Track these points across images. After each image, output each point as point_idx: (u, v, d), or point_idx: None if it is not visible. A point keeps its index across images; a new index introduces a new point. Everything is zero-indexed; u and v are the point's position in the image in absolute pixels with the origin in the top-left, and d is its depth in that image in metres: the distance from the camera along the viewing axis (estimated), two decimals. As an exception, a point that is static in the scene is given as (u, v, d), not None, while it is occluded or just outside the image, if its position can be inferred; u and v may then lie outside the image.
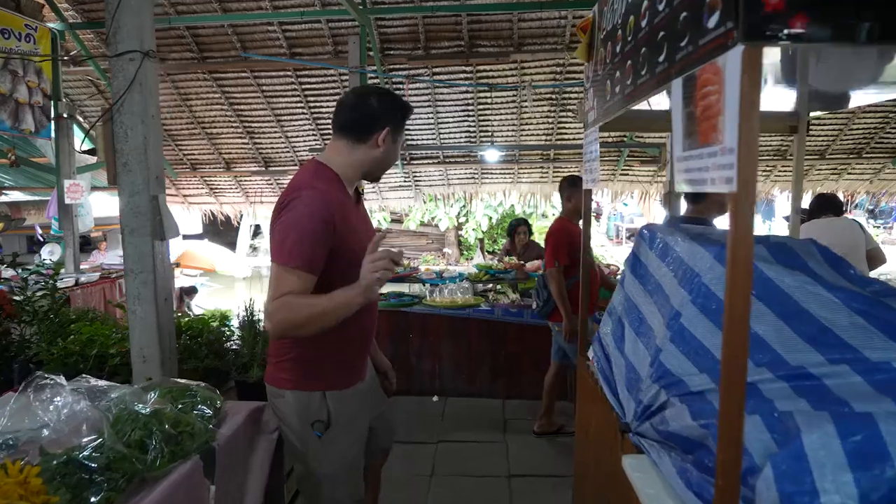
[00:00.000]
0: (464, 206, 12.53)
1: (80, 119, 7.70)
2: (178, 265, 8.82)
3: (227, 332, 2.99)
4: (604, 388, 2.18)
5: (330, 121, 7.69)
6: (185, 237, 19.20)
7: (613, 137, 7.95)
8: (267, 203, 9.47)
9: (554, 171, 8.68)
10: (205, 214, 9.97)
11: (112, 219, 14.67)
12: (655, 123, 2.99)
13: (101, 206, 10.37)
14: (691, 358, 1.67)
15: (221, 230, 14.45)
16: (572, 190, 3.96)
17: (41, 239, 9.03)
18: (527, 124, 7.82)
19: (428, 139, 8.06)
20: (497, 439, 4.17)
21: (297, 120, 7.78)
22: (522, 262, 5.50)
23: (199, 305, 10.76)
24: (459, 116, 7.71)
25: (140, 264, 2.25)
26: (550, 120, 7.71)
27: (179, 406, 1.86)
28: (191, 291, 9.41)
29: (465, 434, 4.20)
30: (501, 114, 7.62)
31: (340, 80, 7.04)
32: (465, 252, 16.15)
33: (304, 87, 7.25)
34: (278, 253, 1.67)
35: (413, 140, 8.07)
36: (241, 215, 9.81)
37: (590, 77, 2.42)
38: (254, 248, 20.67)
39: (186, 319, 2.96)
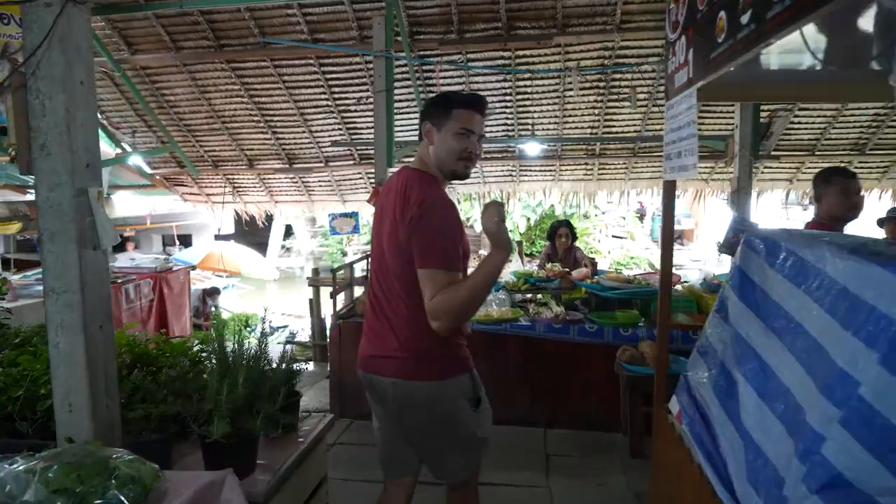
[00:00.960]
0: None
1: None
2: (193, 268, 8.41)
3: (206, 362, 2.41)
4: (703, 467, 1.51)
5: (357, 113, 6.63)
6: (217, 237, 19.04)
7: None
8: (292, 203, 9.00)
9: (599, 168, 7.95)
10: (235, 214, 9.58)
11: (139, 219, 14.51)
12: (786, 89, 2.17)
13: (128, 205, 10.09)
14: (883, 457, 1.00)
15: (246, 230, 14.12)
16: (823, 188, 3.10)
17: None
18: (570, 116, 7.11)
19: (462, 133, 7.43)
20: (538, 482, 3.51)
21: (320, 113, 7.25)
22: (567, 268, 4.82)
23: (226, 308, 10.39)
24: (496, 108, 7.06)
25: (62, 281, 1.69)
26: (597, 110, 6.99)
27: (80, 495, 1.28)
28: (213, 293, 9.02)
29: (500, 474, 3.55)
30: (542, 104, 6.94)
31: (366, 68, 6.47)
32: (501, 254, 15.54)
33: (327, 76, 6.71)
34: (429, 259, 1.84)
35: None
36: (267, 215, 9.36)
37: (680, 21, 1.73)
38: (287, 250, 20.40)
39: (148, 346, 2.39)
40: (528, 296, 4.76)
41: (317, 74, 6.68)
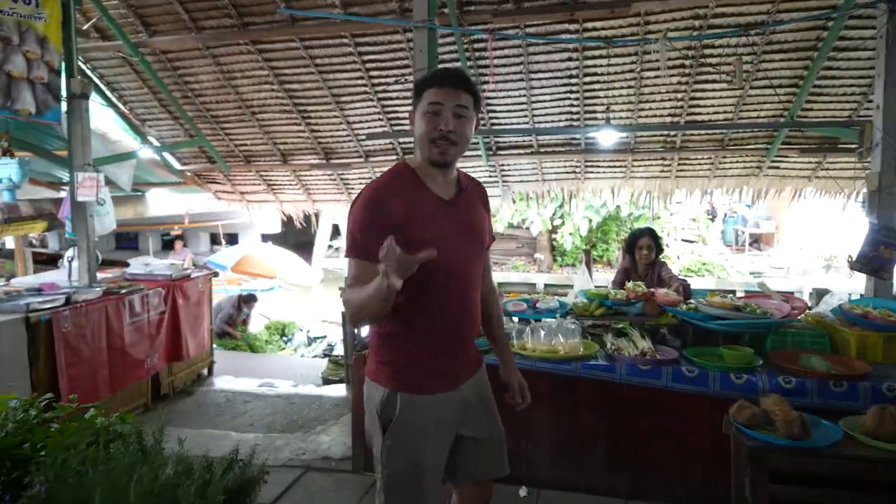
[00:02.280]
0: (561, 205, 10.76)
1: (113, 100, 6.75)
2: (216, 274, 7.73)
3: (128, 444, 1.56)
4: None
5: (399, 100, 5.39)
6: (263, 237, 18.65)
7: (766, 115, 6.00)
8: (331, 202, 8.24)
9: (679, 164, 6.82)
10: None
11: (176, 217, 14.15)
12: None
13: (166, 203, 9.59)
14: None
15: (294, 230, 13.53)
16: None
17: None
18: (647, 101, 6.04)
19: (518, 121, 6.47)
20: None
21: (358, 101, 6.43)
22: (651, 289, 3.79)
23: (264, 315, 9.74)
24: (559, 93, 6.06)
25: None
26: (680, 95, 5.89)
27: None
28: (249, 300, 8.36)
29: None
30: (615, 86, 5.89)
31: (408, 48, 5.59)
32: (558, 259, 14.38)
33: (364, 58, 5.87)
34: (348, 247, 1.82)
35: (499, 121, 6.49)
36: (305, 215, 8.64)
37: None
38: (335, 250, 19.86)
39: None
40: (603, 323, 3.76)
41: (352, 56, 5.85)
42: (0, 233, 6.42)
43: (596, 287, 4.10)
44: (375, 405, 1.86)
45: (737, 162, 6.69)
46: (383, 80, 6.10)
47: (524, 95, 6.11)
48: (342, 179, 7.73)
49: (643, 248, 4.44)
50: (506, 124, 6.51)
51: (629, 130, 6.00)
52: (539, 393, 3.27)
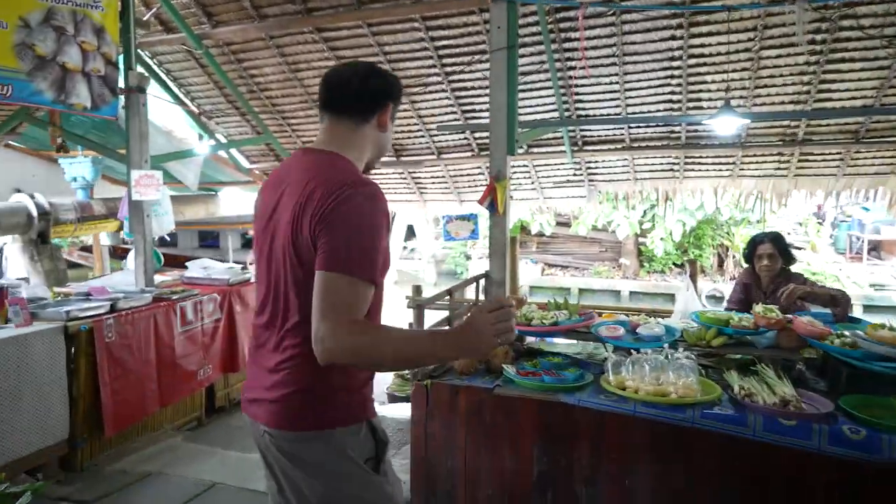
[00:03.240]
0: (652, 207, 9.81)
1: (180, 96, 6.54)
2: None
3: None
4: None
5: (474, 91, 4.81)
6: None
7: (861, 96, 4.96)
8: (402, 202, 7.77)
9: (800, 160, 5.85)
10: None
11: (248, 217, 14.17)
12: None
13: (241, 203, 9.46)
14: None
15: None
16: None
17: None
18: (765, 86, 5.15)
19: (609, 110, 5.72)
20: None
21: (430, 93, 5.90)
22: (788, 313, 2.99)
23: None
24: (658, 78, 5.27)
25: None
26: (806, 77, 4.96)
27: None
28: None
29: None
30: (726, 68, 5.04)
31: (486, 30, 5.00)
32: (645, 265, 13.33)
33: (436, 43, 5.33)
34: (346, 262, 1.34)
35: (586, 110, 5.76)
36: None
37: None
38: (411, 251, 19.55)
39: None
40: (718, 353, 3.01)
41: (423, 42, 5.32)
42: (73, 232, 6.35)
43: (709, 308, 3.32)
44: (352, 455, 1.50)
45: (873, 158, 5.64)
46: (457, 67, 5.53)
47: (616, 82, 5.37)
48: (413, 178, 7.24)
49: (763, 258, 3.63)
50: (593, 112, 5.77)
51: (750, 118, 5.06)
52: (640, 446, 2.60)
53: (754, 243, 3.73)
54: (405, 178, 7.24)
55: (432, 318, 5.07)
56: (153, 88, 6.12)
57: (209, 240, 19.32)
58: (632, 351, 2.86)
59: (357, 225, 1.35)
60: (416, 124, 6.33)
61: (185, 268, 5.42)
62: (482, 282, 3.98)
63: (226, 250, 16.93)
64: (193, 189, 6.80)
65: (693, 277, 4.72)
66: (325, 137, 1.55)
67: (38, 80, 4.07)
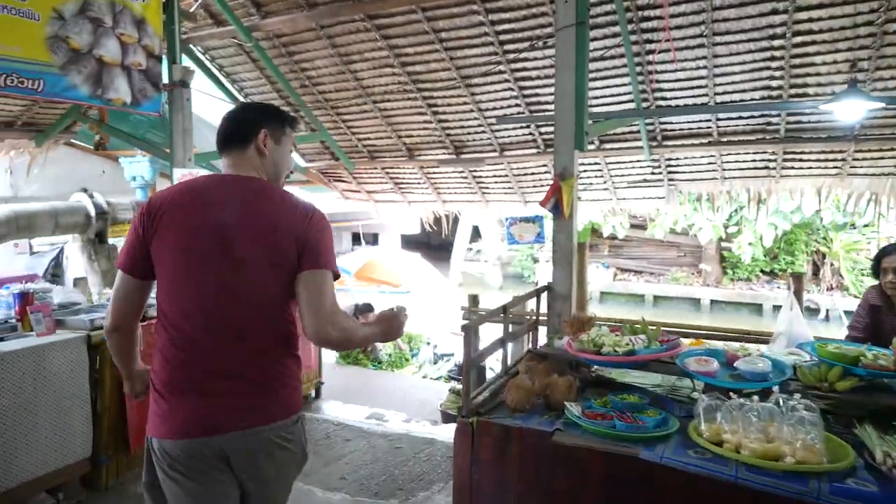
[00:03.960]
0: (739, 209, 8.88)
1: (233, 92, 6.32)
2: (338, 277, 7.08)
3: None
4: None
5: (538, 81, 4.53)
6: (403, 237, 18.36)
7: None
8: (462, 203, 7.31)
9: (927, 153, 4.95)
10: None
11: (337, 215, 14.08)
12: None
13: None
14: None
15: (433, 231, 12.89)
16: None
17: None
18: (888, 67, 4.33)
19: (694, 99, 5.03)
20: None
21: (491, 84, 5.40)
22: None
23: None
24: (756, 60, 4.56)
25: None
26: (943, 54, 4.13)
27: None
28: (366, 309, 7.67)
29: None
30: (838, 47, 4.27)
31: (551, 10, 4.45)
32: (728, 271, 12.27)
33: (497, 27, 4.83)
34: (330, 261, 1.72)
35: (667, 100, 5.09)
36: (436, 217, 7.82)
37: None
38: (477, 252, 19.08)
39: None
40: (844, 398, 2.35)
41: (483, 27, 4.83)
42: (111, 234, 6.27)
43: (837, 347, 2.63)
44: (304, 444, 1.80)
45: None
46: (520, 55, 5.01)
47: (703, 66, 4.69)
48: (474, 177, 6.76)
49: (889, 272, 2.93)
50: (673, 99, 5.09)
51: (884, 101, 4.22)
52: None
53: (882, 255, 3.02)
54: (466, 178, 6.78)
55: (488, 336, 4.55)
56: (205, 85, 5.95)
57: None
58: (730, 393, 2.27)
59: None
60: (476, 119, 5.85)
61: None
62: (544, 295, 3.44)
63: (292, 250, 17.03)
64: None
65: (798, 294, 3.99)
66: (235, 167, 1.81)
67: (73, 74, 3.87)
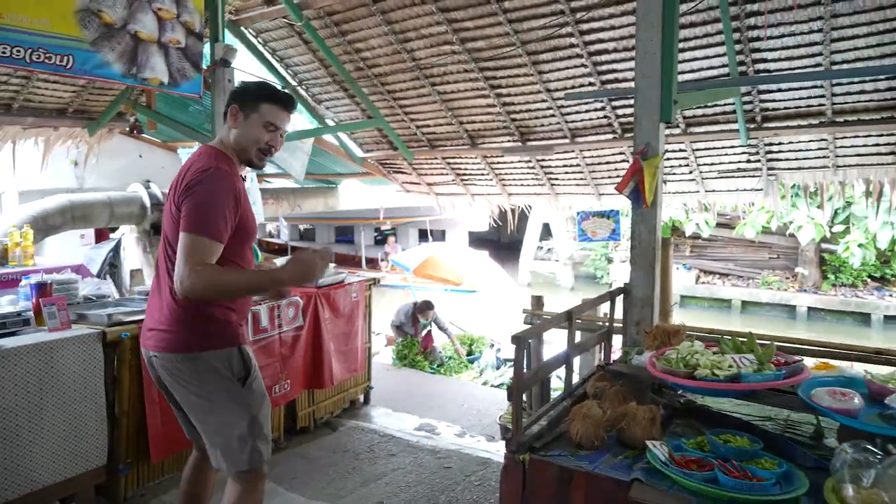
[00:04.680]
0: (847, 205, 7.79)
1: (287, 78, 6.03)
2: (374, 282, 6.60)
3: None
4: None
5: (616, 55, 4.19)
6: (471, 235, 17.89)
7: None
8: (529, 195, 6.74)
9: None
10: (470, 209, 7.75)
11: (401, 210, 13.75)
12: None
13: (363, 196, 9.01)
14: None
15: (501, 226, 12.29)
16: None
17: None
18: None
19: (803, 67, 4.25)
20: None
21: (560, 59, 4.82)
22: None
23: (455, 325, 8.60)
24: (888, 18, 3.75)
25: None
26: None
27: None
28: (425, 308, 7.22)
29: None
30: None
31: (634, -34, 3.83)
32: (829, 276, 11.02)
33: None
34: (193, 223, 1.87)
35: (769, 67, 4.32)
36: (501, 211, 7.28)
37: None
38: (548, 251, 18.36)
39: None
40: None
41: (553, -7, 4.26)
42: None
43: None
44: (224, 370, 2.02)
45: None
46: (596, 26, 4.40)
47: (818, 29, 3.92)
48: (542, 167, 6.17)
49: None
50: (775, 64, 4.32)
51: None
52: None
53: None
54: (532, 167, 6.20)
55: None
56: (258, 70, 5.67)
57: (345, 235, 19.54)
58: (877, 439, 1.63)
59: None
60: (543, 100, 5.27)
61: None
62: (619, 299, 2.85)
63: (359, 245, 16.94)
64: (300, 180, 6.30)
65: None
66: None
67: (105, 50, 3.61)
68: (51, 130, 5.31)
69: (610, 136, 5.43)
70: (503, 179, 6.64)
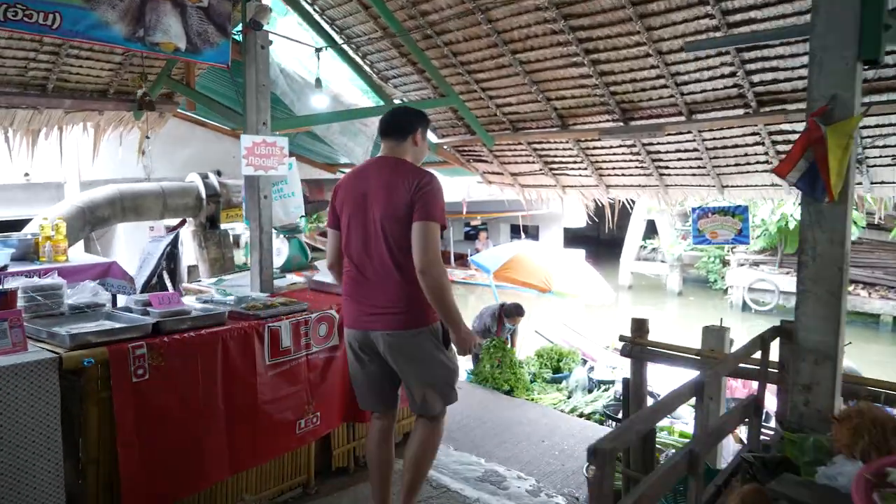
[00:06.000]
0: None
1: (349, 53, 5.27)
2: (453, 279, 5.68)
3: None
4: None
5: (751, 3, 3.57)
6: (566, 231, 16.59)
7: None
8: (631, 187, 5.62)
9: None
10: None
11: (486, 203, 12.84)
12: None
13: (444, 188, 8.19)
14: None
15: (595, 225, 11.02)
16: None
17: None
18: None
19: None
20: None
21: (678, 7, 3.69)
22: None
23: (541, 334, 7.57)
24: None
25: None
26: None
27: None
28: (513, 312, 6.25)
29: None
30: None
31: None
32: None
33: None
34: (436, 215, 2.45)
35: None
36: (597, 205, 6.20)
37: None
38: (652, 250, 16.72)
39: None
40: None
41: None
42: (224, 218, 5.57)
43: None
44: (437, 337, 2.58)
45: None
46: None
47: None
48: (649, 152, 5.04)
49: None
50: None
51: None
52: None
53: None
54: (637, 153, 5.08)
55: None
56: (304, 35, 4.96)
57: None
58: None
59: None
60: (653, 67, 4.16)
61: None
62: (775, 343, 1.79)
63: (447, 241, 16.19)
64: (362, 168, 5.55)
65: None
66: (389, 151, 2.63)
67: (102, 7, 2.97)
68: (97, 115, 4.88)
69: (740, 112, 4.23)
70: (600, 168, 5.55)
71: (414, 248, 2.38)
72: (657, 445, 3.32)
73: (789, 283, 11.94)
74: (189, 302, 3.11)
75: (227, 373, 2.81)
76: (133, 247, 7.04)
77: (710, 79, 4.10)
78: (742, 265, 13.15)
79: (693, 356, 2.85)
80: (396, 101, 5.60)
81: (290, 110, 5.07)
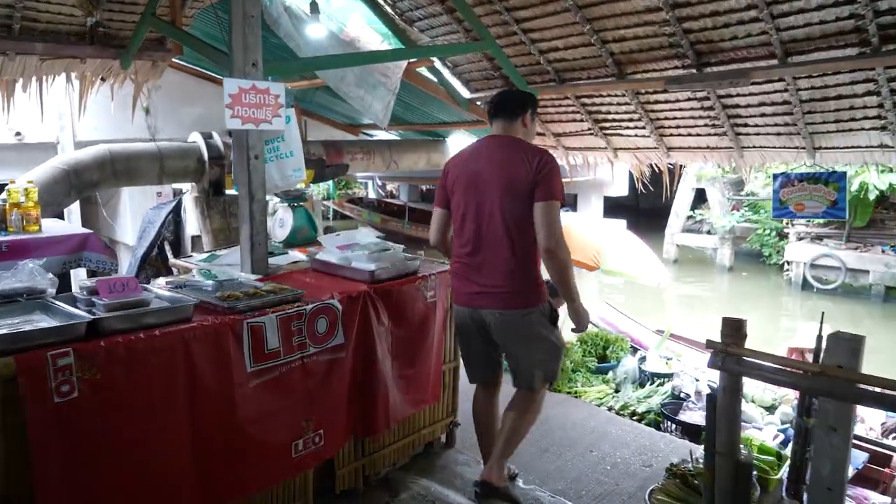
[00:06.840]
0: None
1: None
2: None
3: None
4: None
5: None
6: (606, 200, 15.52)
7: None
8: (699, 150, 4.77)
9: None
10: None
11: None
12: None
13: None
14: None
15: (645, 193, 10.06)
16: None
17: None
18: None
19: None
20: None
21: None
22: None
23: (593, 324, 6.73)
24: None
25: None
26: None
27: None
28: (555, 292, 5.46)
29: None
30: None
31: None
32: None
33: None
34: (559, 194, 2.49)
35: None
36: (655, 171, 5.36)
37: None
38: (698, 222, 15.63)
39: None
40: None
41: None
42: (230, 184, 4.92)
43: None
44: (546, 317, 2.69)
45: None
46: None
47: None
48: (725, 106, 4.17)
49: None
50: None
51: None
52: None
53: None
54: (711, 107, 4.22)
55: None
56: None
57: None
58: None
59: None
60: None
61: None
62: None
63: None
64: (382, 126, 4.81)
65: None
66: (503, 131, 2.66)
67: None
68: (79, 63, 4.22)
69: (853, 51, 3.34)
70: (661, 127, 4.70)
71: (539, 228, 2.43)
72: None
73: (857, 259, 10.87)
74: (159, 289, 2.46)
75: (194, 385, 2.17)
76: (140, 214, 6.48)
77: (818, 7, 3.21)
78: (802, 239, 12.06)
79: (815, 370, 2.08)
80: (422, 46, 4.81)
81: (296, 56, 4.34)
